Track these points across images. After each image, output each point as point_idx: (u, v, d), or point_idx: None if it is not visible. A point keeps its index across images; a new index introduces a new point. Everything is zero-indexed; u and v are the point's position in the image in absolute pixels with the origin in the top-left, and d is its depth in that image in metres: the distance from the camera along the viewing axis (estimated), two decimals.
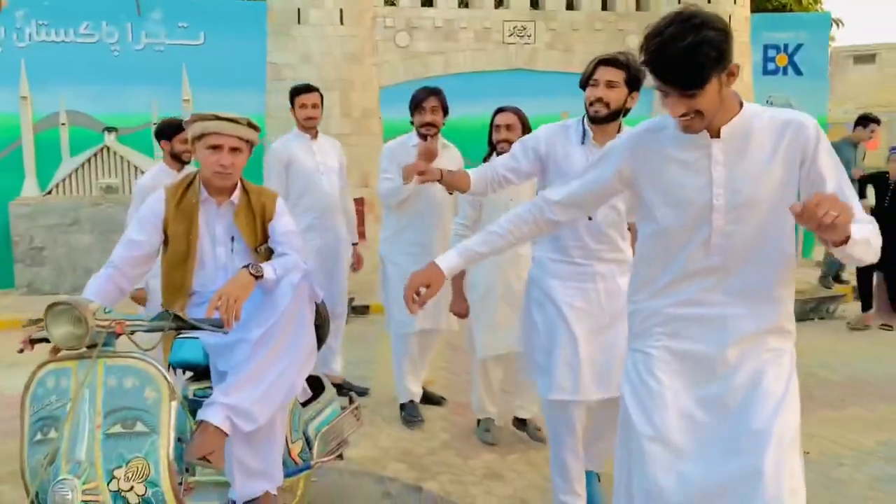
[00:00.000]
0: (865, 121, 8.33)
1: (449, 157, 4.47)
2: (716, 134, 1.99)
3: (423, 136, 4.37)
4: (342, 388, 4.87)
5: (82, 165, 9.04)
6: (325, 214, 4.86)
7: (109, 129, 8.99)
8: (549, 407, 3.11)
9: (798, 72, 10.91)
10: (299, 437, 2.92)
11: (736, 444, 1.98)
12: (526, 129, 3.91)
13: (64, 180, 9.01)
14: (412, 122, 4.45)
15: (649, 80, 2.06)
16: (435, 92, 4.40)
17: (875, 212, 6.60)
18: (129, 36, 8.93)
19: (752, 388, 2.02)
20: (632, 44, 9.68)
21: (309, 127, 4.86)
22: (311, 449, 2.96)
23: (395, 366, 4.64)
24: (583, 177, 2.30)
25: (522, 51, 9.93)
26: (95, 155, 9.03)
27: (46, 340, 2.30)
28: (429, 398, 4.82)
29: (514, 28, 9.87)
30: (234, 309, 2.45)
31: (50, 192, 8.97)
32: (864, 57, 20.98)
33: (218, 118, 2.70)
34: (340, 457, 3.22)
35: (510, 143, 3.67)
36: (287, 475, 2.78)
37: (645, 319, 2.19)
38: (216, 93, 8.80)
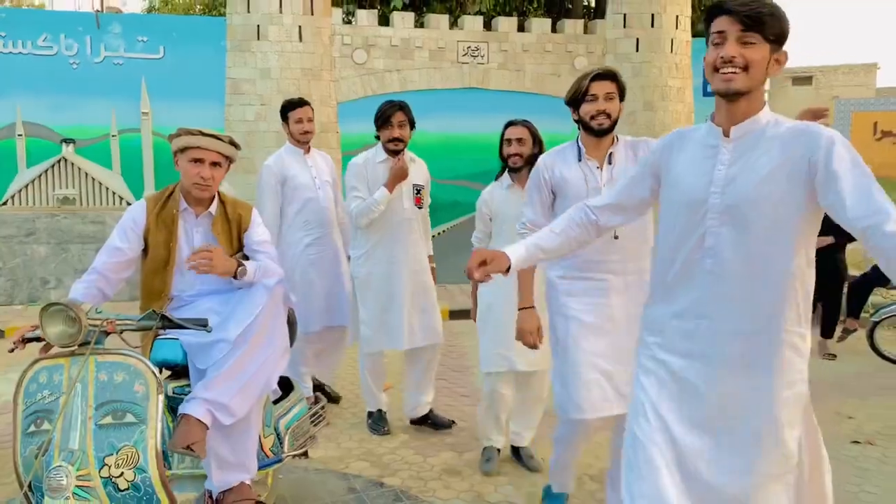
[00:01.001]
0: None
1: (417, 171, 4.46)
2: (727, 134, 2.04)
3: (391, 152, 4.34)
4: (321, 389, 5.07)
5: (39, 177, 9.01)
6: (324, 229, 4.78)
7: (67, 141, 8.97)
8: (566, 419, 3.12)
9: None
10: (271, 432, 3.10)
11: (717, 466, 2.04)
12: (537, 141, 3.85)
13: (20, 191, 8.98)
14: (377, 137, 4.38)
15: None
16: (402, 106, 4.33)
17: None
18: (89, 49, 8.94)
19: (729, 423, 2.04)
20: (579, 65, 10.06)
21: (304, 141, 4.76)
22: (281, 444, 3.15)
23: (361, 378, 4.67)
24: (623, 180, 2.38)
25: (476, 70, 10.23)
26: (53, 166, 9.01)
27: (38, 340, 2.47)
28: (435, 422, 4.65)
29: (467, 48, 10.17)
30: (203, 264, 2.75)
31: (6, 203, 8.93)
32: (802, 79, 21.86)
33: (203, 134, 2.90)
34: (306, 454, 3.40)
35: (521, 156, 3.71)
36: (260, 468, 2.96)
37: (644, 327, 2.23)
38: (175, 106, 8.89)
